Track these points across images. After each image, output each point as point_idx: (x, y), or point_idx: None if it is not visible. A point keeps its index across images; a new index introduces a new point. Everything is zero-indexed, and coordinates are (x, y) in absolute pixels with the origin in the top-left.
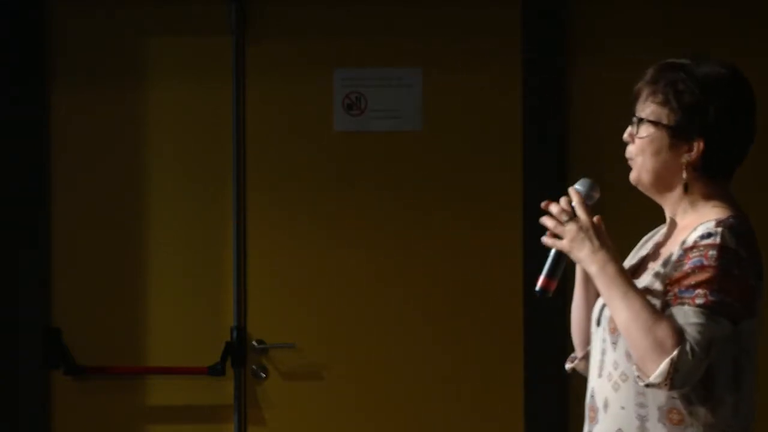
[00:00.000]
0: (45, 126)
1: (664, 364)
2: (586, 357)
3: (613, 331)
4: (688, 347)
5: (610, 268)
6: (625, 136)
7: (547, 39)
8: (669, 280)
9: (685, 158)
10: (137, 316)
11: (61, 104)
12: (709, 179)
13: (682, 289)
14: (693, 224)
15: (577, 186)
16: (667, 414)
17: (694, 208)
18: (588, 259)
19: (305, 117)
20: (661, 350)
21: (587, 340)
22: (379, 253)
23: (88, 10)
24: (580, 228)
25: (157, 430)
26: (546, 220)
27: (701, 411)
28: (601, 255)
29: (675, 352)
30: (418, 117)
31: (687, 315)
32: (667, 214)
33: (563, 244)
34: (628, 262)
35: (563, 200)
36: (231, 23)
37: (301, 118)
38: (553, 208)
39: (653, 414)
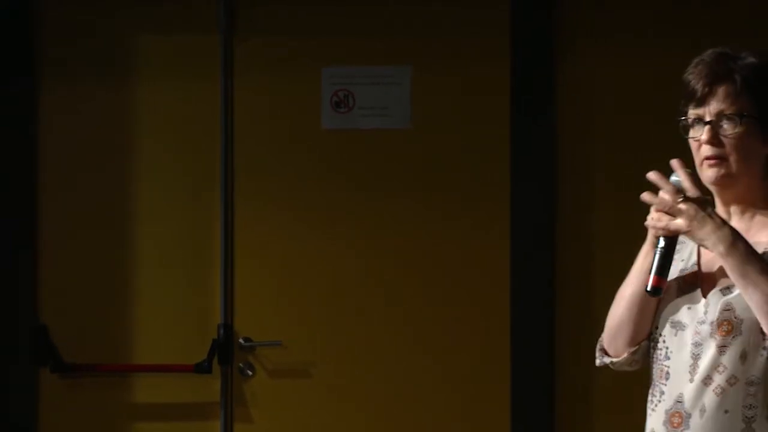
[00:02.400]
0: (32, 124)
1: None
2: (635, 351)
3: (726, 333)
4: None
5: (741, 244)
6: (706, 137)
7: (536, 37)
8: None
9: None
10: (124, 313)
11: (49, 103)
12: None
13: None
14: None
15: (673, 177)
16: None
17: (766, 202)
18: (713, 237)
19: (293, 115)
20: None
21: (640, 334)
22: (367, 251)
23: (74, 7)
24: (699, 206)
25: (144, 427)
26: (651, 199)
27: None
28: (727, 231)
29: None
30: (406, 115)
31: None
32: (732, 212)
33: (681, 225)
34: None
35: (671, 192)
36: (219, 21)
37: (289, 115)
38: (665, 187)
39: (762, 413)
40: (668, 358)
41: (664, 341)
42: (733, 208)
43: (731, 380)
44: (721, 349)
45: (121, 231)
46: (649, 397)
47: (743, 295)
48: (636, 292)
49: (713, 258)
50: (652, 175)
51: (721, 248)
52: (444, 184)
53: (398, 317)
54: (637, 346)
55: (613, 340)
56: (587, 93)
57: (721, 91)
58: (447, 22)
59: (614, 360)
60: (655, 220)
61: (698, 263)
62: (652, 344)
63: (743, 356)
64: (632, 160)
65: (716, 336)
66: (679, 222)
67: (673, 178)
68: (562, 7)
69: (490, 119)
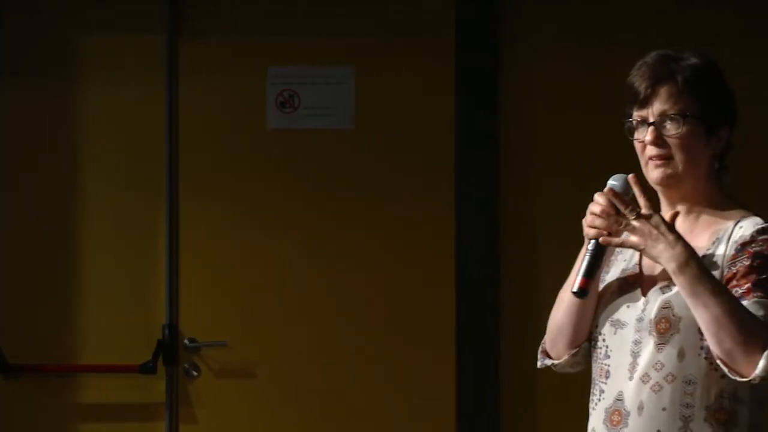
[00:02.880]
0: None
1: (765, 360)
2: (576, 354)
3: (664, 331)
4: None
5: (693, 264)
6: (650, 138)
7: (480, 38)
8: (731, 276)
9: (714, 147)
10: (69, 314)
11: None
12: (721, 171)
13: (754, 282)
14: (720, 220)
15: (611, 182)
16: (714, 414)
17: (713, 203)
18: (666, 256)
19: (238, 115)
20: (757, 345)
21: (579, 338)
22: (312, 251)
23: (19, 6)
24: (652, 224)
25: (89, 428)
26: (595, 219)
27: (745, 410)
28: (680, 250)
29: None
30: (350, 115)
31: (765, 307)
32: (683, 207)
33: (635, 242)
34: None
35: (602, 196)
36: (164, 21)
37: (235, 115)
38: (620, 204)
39: (700, 414)
40: (608, 357)
41: (603, 340)
42: (679, 207)
43: (668, 378)
44: (659, 346)
45: (65, 231)
46: (591, 396)
47: (693, 313)
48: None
49: (656, 264)
50: (606, 194)
51: (673, 266)
52: (388, 184)
53: (344, 317)
54: (577, 348)
55: (554, 343)
56: (532, 92)
57: (663, 91)
58: (391, 22)
59: (555, 362)
60: (588, 222)
61: (640, 263)
62: (592, 343)
63: (681, 354)
64: (576, 157)
65: (654, 333)
66: (633, 240)
67: (611, 182)
68: (506, 7)
69: (434, 119)
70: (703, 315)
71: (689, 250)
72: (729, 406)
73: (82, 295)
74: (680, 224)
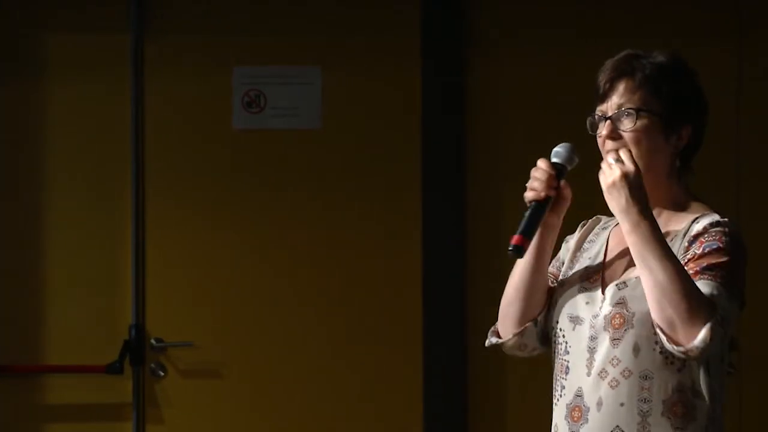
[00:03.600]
0: None
1: (706, 330)
2: (522, 333)
3: (618, 326)
4: (719, 316)
5: (646, 226)
6: (606, 132)
7: (446, 38)
8: (682, 263)
9: (674, 145)
10: (34, 314)
11: None
12: (683, 168)
13: (703, 265)
14: (680, 218)
15: (557, 148)
16: (671, 407)
17: (675, 200)
18: (622, 210)
19: (204, 114)
20: (699, 315)
21: (526, 316)
22: (278, 252)
23: None
24: (625, 176)
25: (56, 428)
26: (534, 181)
27: (703, 404)
28: (636, 210)
29: (713, 319)
30: (316, 115)
31: (714, 288)
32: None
33: (603, 184)
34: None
35: (541, 162)
36: (130, 20)
37: (200, 115)
38: (608, 144)
39: (657, 408)
40: (567, 353)
41: (563, 336)
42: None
43: (625, 373)
44: (615, 342)
45: (31, 231)
46: (553, 392)
47: (641, 278)
48: (523, 269)
49: (618, 257)
50: (541, 163)
51: (626, 225)
52: (355, 185)
53: (310, 318)
54: (522, 328)
55: (502, 321)
56: (498, 91)
57: (621, 86)
58: (357, 23)
59: (502, 341)
60: (528, 184)
61: (603, 261)
62: (553, 339)
63: (636, 349)
64: (542, 155)
65: (609, 329)
66: (602, 179)
67: (556, 149)
68: (471, 8)
69: (400, 119)
70: (648, 280)
71: (646, 214)
72: (686, 400)
73: (48, 295)
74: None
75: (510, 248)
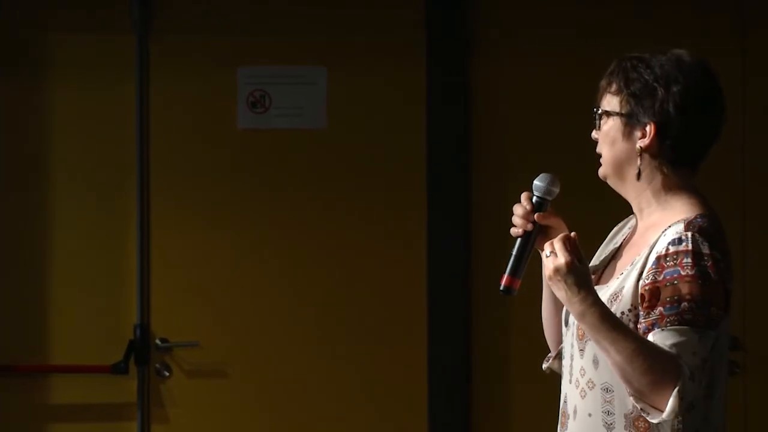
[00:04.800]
0: None
1: (674, 400)
2: (559, 356)
3: (581, 337)
4: (687, 373)
5: (590, 318)
6: (593, 134)
7: (450, 38)
8: (645, 292)
9: (639, 144)
10: (40, 314)
11: None
12: (670, 169)
13: (666, 306)
14: (660, 223)
15: (536, 182)
16: (633, 422)
17: (659, 202)
18: (566, 303)
19: (209, 114)
20: (664, 386)
21: (559, 339)
22: (283, 251)
23: None
24: (557, 271)
25: (61, 428)
26: (516, 219)
27: (669, 419)
28: (578, 306)
29: (679, 384)
30: (322, 115)
31: (677, 336)
32: (635, 210)
33: (544, 273)
34: (599, 255)
35: (522, 197)
36: (134, 20)
37: (205, 115)
38: (547, 246)
39: (620, 421)
40: (563, 357)
41: (564, 342)
42: (633, 206)
43: (589, 384)
44: (581, 352)
45: (36, 231)
46: None
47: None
48: (544, 299)
49: (617, 259)
50: (522, 199)
51: (574, 315)
52: (360, 185)
53: (314, 318)
54: (557, 351)
55: (549, 347)
56: (503, 91)
57: (601, 89)
58: (362, 23)
59: (549, 365)
60: (513, 221)
61: (607, 262)
62: None
63: (595, 361)
64: (548, 156)
65: (575, 339)
66: (545, 270)
67: (536, 182)
68: (475, 8)
69: (405, 119)
70: (608, 359)
71: (590, 301)
72: None
73: (52, 295)
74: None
75: (501, 289)
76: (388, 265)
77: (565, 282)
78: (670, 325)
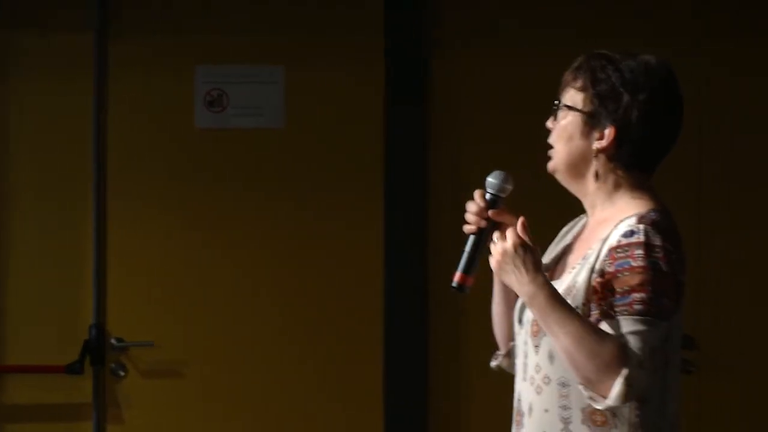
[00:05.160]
0: None
1: (619, 385)
2: (509, 354)
3: (535, 334)
4: (635, 361)
5: (540, 299)
6: (548, 123)
7: (410, 37)
8: (597, 284)
9: (596, 145)
10: None
11: None
12: (626, 172)
13: (617, 297)
14: (612, 218)
15: (489, 179)
16: (590, 416)
17: (612, 200)
18: (516, 288)
19: (167, 114)
20: (610, 371)
21: (508, 337)
22: (239, 251)
23: None
24: (505, 254)
25: (15, 429)
26: (469, 217)
27: (626, 411)
28: (526, 288)
29: (625, 371)
30: (279, 114)
31: (629, 325)
32: (586, 206)
33: (491, 263)
34: (549, 254)
35: (475, 194)
36: (92, 19)
37: (163, 114)
38: (495, 235)
39: (577, 416)
40: (516, 356)
41: (516, 338)
42: (584, 203)
43: (546, 380)
44: (536, 348)
45: None
46: None
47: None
48: (494, 297)
49: (568, 254)
50: (475, 196)
51: (524, 298)
52: (318, 184)
53: (272, 317)
54: (507, 349)
55: (498, 344)
56: (461, 90)
57: (566, 81)
58: (321, 23)
59: (498, 363)
60: (466, 218)
61: (558, 260)
62: None
63: (551, 357)
64: (505, 154)
65: (529, 336)
66: (491, 261)
67: (489, 179)
68: (435, 8)
69: (363, 118)
70: (556, 344)
71: (538, 283)
72: (606, 410)
73: (7, 295)
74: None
75: (453, 286)
76: (345, 262)
77: (514, 263)
78: (620, 315)
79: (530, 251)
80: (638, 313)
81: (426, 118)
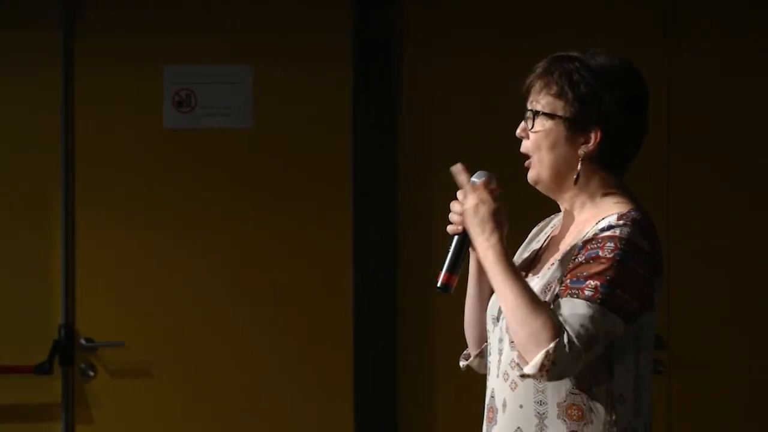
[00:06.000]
0: None
1: (539, 356)
2: (481, 354)
3: None
4: (566, 340)
5: (492, 253)
6: (519, 131)
7: (378, 35)
8: (567, 270)
9: (582, 150)
10: None
11: None
12: (606, 172)
13: (574, 279)
14: (594, 218)
15: (473, 179)
16: (566, 410)
17: (594, 202)
18: (476, 242)
19: (135, 114)
20: (537, 341)
21: (481, 337)
22: (209, 251)
23: None
24: (469, 208)
25: None
26: (453, 215)
27: (601, 408)
28: (484, 239)
29: (551, 345)
30: (248, 114)
31: (573, 306)
32: (564, 208)
33: (454, 219)
34: (521, 254)
35: (460, 194)
36: (60, 19)
37: (131, 115)
38: (460, 183)
39: (552, 411)
40: (489, 353)
41: (489, 337)
42: (564, 206)
43: (521, 376)
44: (512, 344)
45: None
46: None
47: None
48: (469, 297)
49: (544, 254)
50: (454, 169)
51: (479, 253)
52: (286, 183)
53: (241, 317)
54: (480, 349)
55: (468, 344)
56: (429, 90)
57: (534, 88)
58: (289, 22)
59: (467, 363)
60: (450, 218)
61: (533, 259)
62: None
63: None
64: (475, 154)
65: (505, 333)
66: (455, 219)
67: (473, 179)
68: (404, 8)
69: (331, 117)
70: (502, 306)
71: (495, 239)
72: (582, 402)
73: None
74: (559, 225)
75: (438, 286)
76: (314, 261)
77: (479, 219)
78: (569, 297)
79: (490, 208)
80: (587, 298)
81: (394, 117)
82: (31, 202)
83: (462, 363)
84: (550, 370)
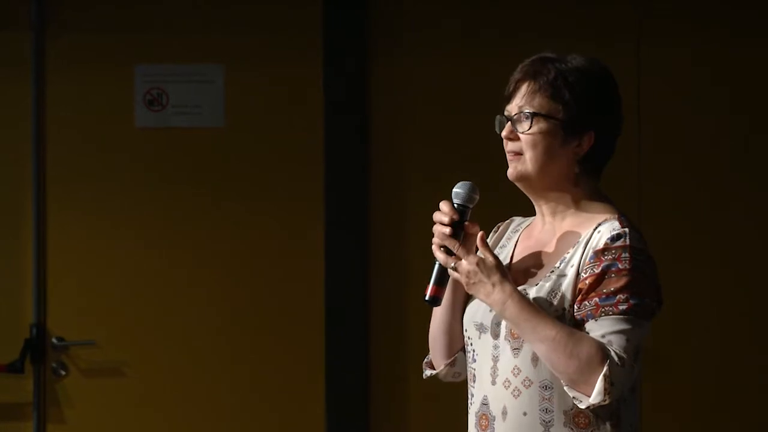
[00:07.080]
0: None
1: (600, 383)
2: (453, 363)
3: (518, 336)
4: (616, 358)
5: (511, 308)
6: (505, 133)
7: (349, 35)
8: (583, 286)
9: (574, 152)
10: None
11: None
12: (589, 176)
13: (603, 297)
14: (584, 223)
15: (457, 189)
16: (573, 418)
17: (579, 204)
18: (487, 301)
19: (106, 113)
20: (590, 370)
21: (452, 346)
22: (180, 251)
23: None
24: (469, 273)
25: None
26: (438, 253)
27: (608, 414)
28: (496, 297)
29: (605, 368)
30: (219, 113)
31: (612, 324)
32: (543, 211)
33: (460, 279)
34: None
35: (443, 205)
36: (31, 18)
37: (102, 114)
38: (449, 244)
39: (559, 418)
40: (474, 361)
41: (471, 344)
42: (544, 208)
43: (526, 383)
44: (515, 351)
45: None
46: (467, 400)
47: None
48: (441, 307)
49: (524, 261)
50: (444, 207)
51: (496, 310)
52: (258, 182)
53: (213, 317)
54: (452, 358)
55: (433, 354)
56: (402, 89)
57: (523, 88)
58: (260, 21)
59: (435, 372)
60: (435, 241)
61: (510, 266)
62: (465, 348)
63: (534, 359)
64: (446, 154)
65: (510, 338)
66: (457, 276)
67: (455, 190)
68: (376, 6)
69: (303, 117)
70: (536, 350)
71: (507, 292)
72: (589, 411)
73: None
74: (543, 229)
75: (426, 299)
76: (285, 262)
77: (480, 279)
78: (605, 315)
79: (491, 264)
80: (622, 312)
81: (366, 117)
82: (1, 201)
83: (427, 372)
84: (611, 391)
